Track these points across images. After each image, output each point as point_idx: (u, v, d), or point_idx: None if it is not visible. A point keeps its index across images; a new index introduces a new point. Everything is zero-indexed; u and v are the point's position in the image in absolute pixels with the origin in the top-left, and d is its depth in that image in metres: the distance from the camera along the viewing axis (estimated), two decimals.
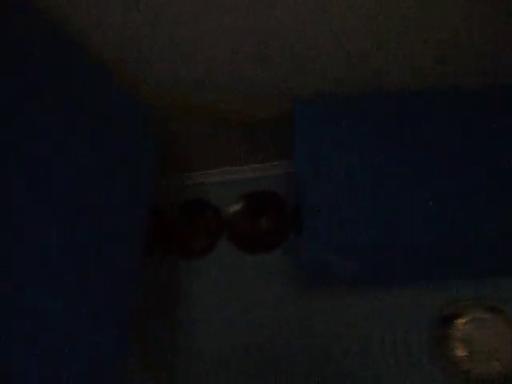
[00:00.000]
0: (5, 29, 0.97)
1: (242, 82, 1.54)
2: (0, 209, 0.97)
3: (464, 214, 1.32)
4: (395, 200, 1.33)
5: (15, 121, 0.99)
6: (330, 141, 1.44)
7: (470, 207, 1.33)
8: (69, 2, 1.18)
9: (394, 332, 1.73)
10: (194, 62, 1.45)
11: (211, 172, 2.01)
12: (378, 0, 1.21)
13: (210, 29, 1.32)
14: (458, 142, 1.40)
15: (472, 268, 1.45)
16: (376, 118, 1.43)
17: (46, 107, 1.11)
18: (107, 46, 1.34)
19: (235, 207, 1.93)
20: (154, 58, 1.42)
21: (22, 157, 1.01)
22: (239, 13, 1.26)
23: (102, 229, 1.24)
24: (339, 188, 1.43)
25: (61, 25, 1.15)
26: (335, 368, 1.79)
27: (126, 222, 1.35)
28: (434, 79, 1.48)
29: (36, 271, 1.04)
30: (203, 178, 2.03)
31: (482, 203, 1.32)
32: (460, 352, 1.67)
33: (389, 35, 1.27)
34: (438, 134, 1.40)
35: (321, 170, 1.43)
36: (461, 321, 1.69)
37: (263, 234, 1.92)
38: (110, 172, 1.29)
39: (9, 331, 0.95)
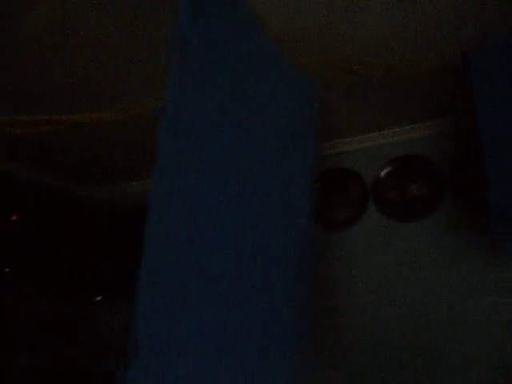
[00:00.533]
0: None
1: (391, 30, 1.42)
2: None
3: None
4: None
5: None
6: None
7: None
8: None
9: None
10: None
11: (354, 139, 1.93)
12: None
13: None
14: None
15: None
16: None
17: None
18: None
19: (382, 174, 1.84)
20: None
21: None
22: None
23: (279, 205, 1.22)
24: None
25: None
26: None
27: (298, 196, 1.32)
28: None
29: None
30: (346, 145, 1.95)
31: None
32: None
33: None
34: None
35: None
36: None
37: (414, 201, 1.81)
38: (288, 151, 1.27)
39: None
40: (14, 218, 1.77)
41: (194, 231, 0.95)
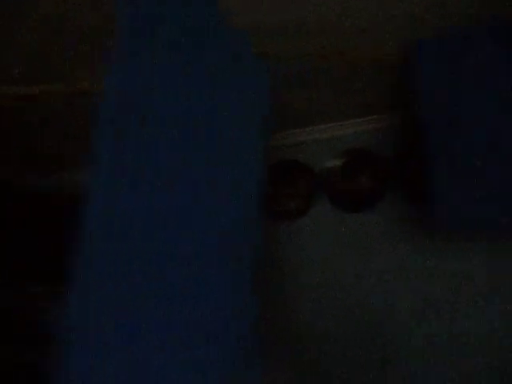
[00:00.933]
0: None
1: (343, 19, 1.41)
2: None
3: None
4: None
5: None
6: (454, 82, 1.33)
7: None
8: None
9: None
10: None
11: (306, 130, 1.93)
12: None
13: None
14: None
15: None
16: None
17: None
18: None
19: (331, 166, 1.86)
20: None
21: None
22: None
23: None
24: (467, 134, 1.32)
25: None
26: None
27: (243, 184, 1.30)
28: None
29: None
30: (297, 136, 1.95)
31: None
32: None
33: None
34: None
35: (447, 116, 1.32)
36: None
37: (362, 193, 1.84)
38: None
39: None
40: None
41: (133, 222, 0.92)
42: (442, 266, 1.76)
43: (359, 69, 1.60)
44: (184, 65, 1.12)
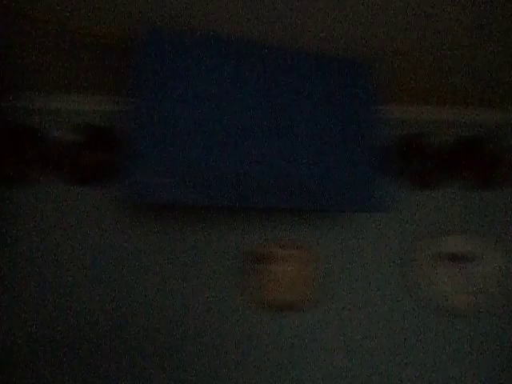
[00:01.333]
0: None
1: None
2: None
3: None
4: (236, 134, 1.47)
5: None
6: (173, 73, 1.45)
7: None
8: None
9: (208, 266, 1.91)
10: None
11: (45, 97, 1.87)
12: None
13: None
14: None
15: (287, 206, 1.54)
16: (227, 57, 1.51)
17: None
18: None
19: (67, 138, 1.84)
20: None
21: None
22: None
23: None
24: (176, 120, 1.46)
25: None
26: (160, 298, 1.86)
27: None
28: None
29: None
30: (35, 101, 1.88)
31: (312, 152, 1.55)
32: (265, 283, 1.89)
33: None
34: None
35: (160, 102, 1.44)
36: (268, 257, 1.91)
37: (93, 167, 1.88)
38: None
39: None
40: None
41: None
42: (156, 240, 1.90)
43: (114, 49, 1.62)
44: None
